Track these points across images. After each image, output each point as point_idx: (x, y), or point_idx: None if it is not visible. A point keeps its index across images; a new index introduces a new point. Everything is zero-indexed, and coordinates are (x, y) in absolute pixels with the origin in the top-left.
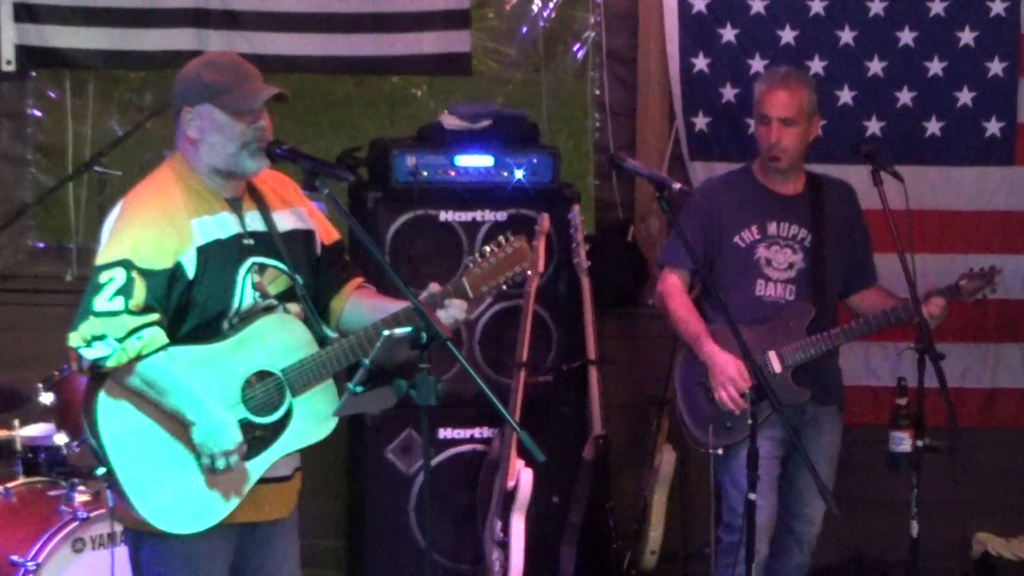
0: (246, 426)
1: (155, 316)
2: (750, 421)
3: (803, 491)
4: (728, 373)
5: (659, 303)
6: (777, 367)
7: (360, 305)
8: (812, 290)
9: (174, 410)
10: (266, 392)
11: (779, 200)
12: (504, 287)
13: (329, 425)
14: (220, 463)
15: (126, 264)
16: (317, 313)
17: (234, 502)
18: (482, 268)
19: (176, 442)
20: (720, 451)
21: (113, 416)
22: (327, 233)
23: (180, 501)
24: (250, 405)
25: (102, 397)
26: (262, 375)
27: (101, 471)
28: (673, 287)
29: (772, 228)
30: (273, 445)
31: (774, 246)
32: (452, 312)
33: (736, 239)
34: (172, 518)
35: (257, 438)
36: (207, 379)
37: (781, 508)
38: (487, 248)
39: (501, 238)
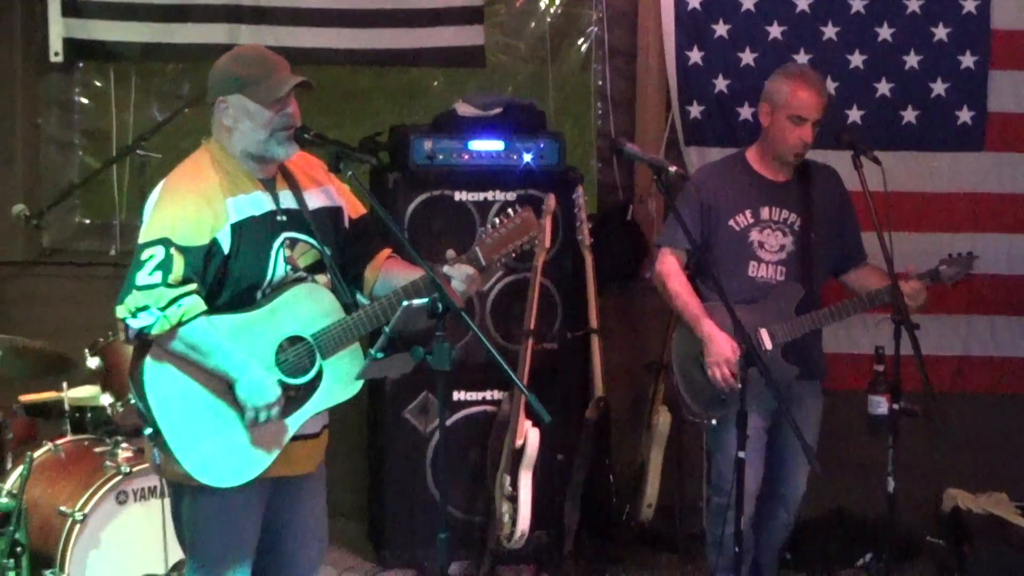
0: (280, 387)
1: (193, 286)
2: (739, 386)
3: (787, 459)
4: (724, 354)
5: (657, 282)
6: (768, 344)
7: (391, 275)
8: (801, 271)
9: (216, 370)
10: (297, 356)
11: (771, 186)
12: (514, 255)
13: (356, 385)
14: (262, 416)
15: (165, 242)
16: (351, 281)
17: (272, 457)
18: (493, 238)
19: (218, 401)
20: (714, 421)
21: (159, 379)
22: (354, 208)
23: (222, 457)
24: (283, 368)
25: (148, 362)
26: (293, 340)
27: (148, 431)
28: (671, 267)
29: (764, 213)
30: (305, 404)
31: (766, 230)
32: (464, 278)
33: (731, 223)
34: (214, 473)
35: (291, 398)
36: (243, 345)
37: (768, 474)
38: (497, 220)
39: (509, 210)
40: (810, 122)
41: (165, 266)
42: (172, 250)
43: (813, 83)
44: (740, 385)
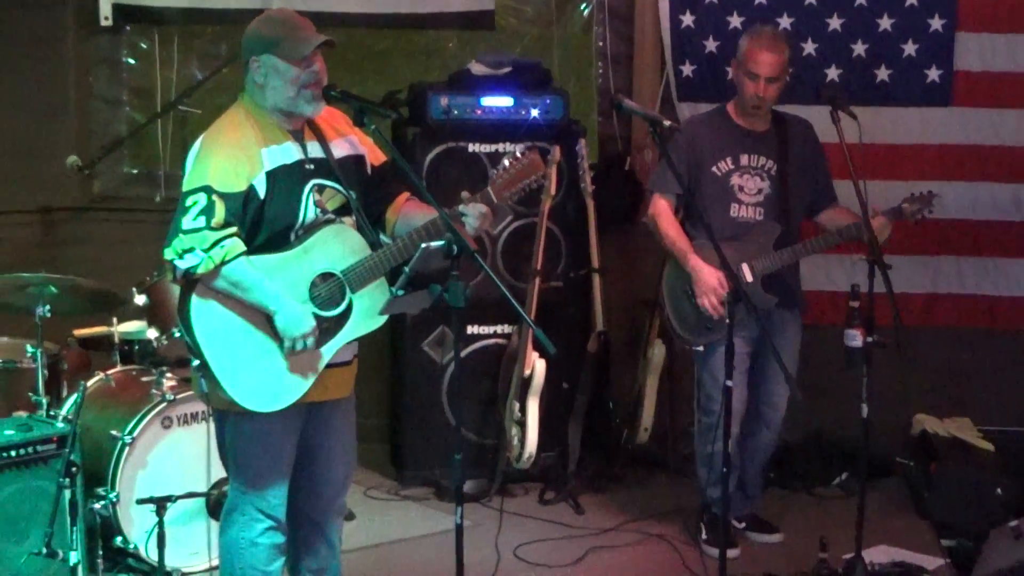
0: (315, 318)
1: (233, 229)
2: (727, 321)
3: (769, 381)
4: (710, 284)
5: (650, 223)
6: (749, 277)
7: (410, 215)
8: (778, 211)
9: (257, 304)
10: (329, 290)
11: (750, 136)
12: (522, 193)
13: (382, 318)
14: (299, 345)
15: (207, 189)
16: (374, 222)
17: (308, 384)
18: (503, 178)
19: (259, 334)
20: (701, 348)
21: (204, 315)
22: (375, 156)
23: (263, 385)
24: (317, 301)
25: (194, 300)
26: (325, 276)
27: (195, 363)
28: (663, 210)
29: (744, 159)
30: (337, 334)
31: (745, 175)
32: (478, 215)
33: (714, 169)
34: (257, 399)
35: (324, 329)
36: (280, 281)
37: (751, 396)
38: (506, 161)
39: (517, 152)
40: (762, 78)
41: (208, 211)
42: (214, 196)
43: (767, 44)
44: (727, 320)
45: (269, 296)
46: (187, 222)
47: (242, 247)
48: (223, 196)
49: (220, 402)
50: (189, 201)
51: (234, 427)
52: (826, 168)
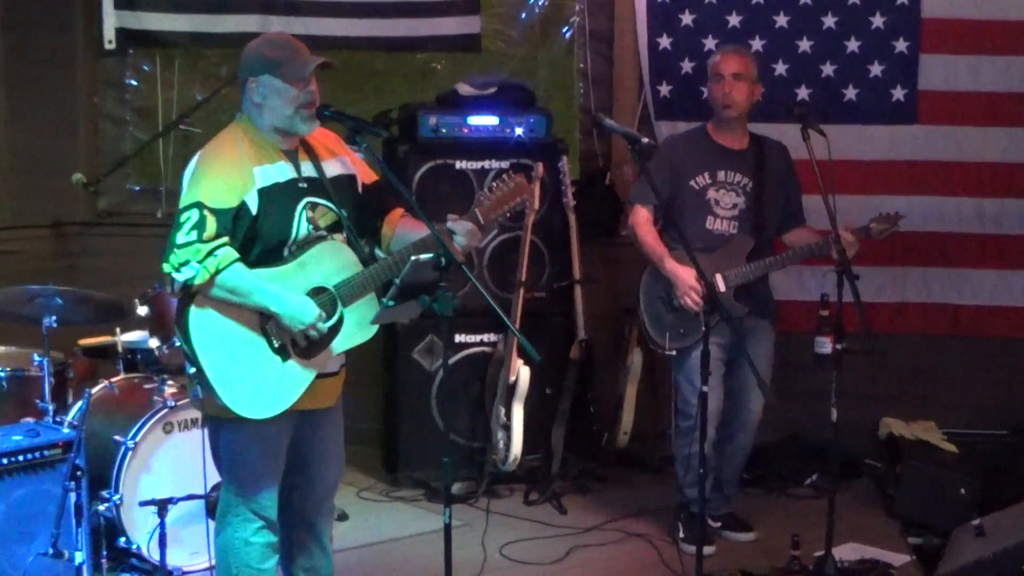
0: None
1: (225, 239)
2: (703, 329)
3: (746, 387)
4: (688, 283)
5: (630, 233)
6: (722, 286)
7: (406, 231)
8: (752, 226)
9: (258, 306)
10: (322, 304)
11: (727, 153)
12: (508, 216)
13: (372, 330)
14: (312, 333)
15: (199, 205)
16: (370, 236)
17: (298, 393)
18: (489, 200)
19: (253, 344)
20: (675, 352)
21: (202, 324)
22: (367, 175)
23: (256, 393)
24: None
25: (192, 310)
26: (318, 290)
27: (191, 370)
28: (642, 219)
29: (721, 175)
30: (329, 346)
31: (722, 189)
32: (466, 232)
33: (692, 183)
34: (250, 406)
35: (316, 342)
36: None
37: (728, 400)
38: (493, 184)
39: (504, 175)
40: (727, 75)
41: (200, 226)
42: (205, 212)
43: (730, 49)
44: (704, 327)
45: (269, 296)
46: (180, 236)
47: (235, 255)
48: (214, 211)
49: (214, 408)
50: (183, 217)
51: (229, 432)
52: (798, 190)
